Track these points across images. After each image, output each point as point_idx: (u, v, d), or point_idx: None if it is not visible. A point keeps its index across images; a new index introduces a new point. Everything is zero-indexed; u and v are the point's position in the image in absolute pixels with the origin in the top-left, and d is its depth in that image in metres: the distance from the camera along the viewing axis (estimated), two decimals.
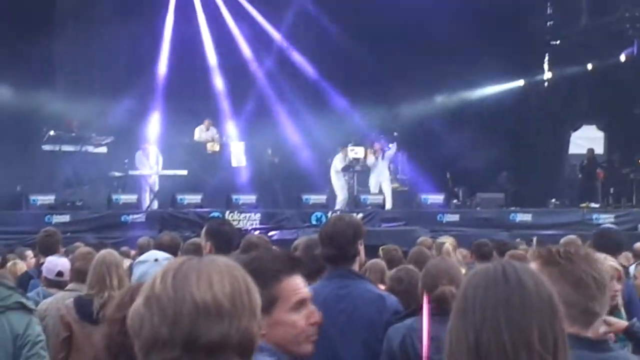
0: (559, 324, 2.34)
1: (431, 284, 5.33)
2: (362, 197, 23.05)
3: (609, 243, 7.69)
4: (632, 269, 8.77)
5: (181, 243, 9.16)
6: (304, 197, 22.30)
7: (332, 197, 23.19)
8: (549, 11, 29.66)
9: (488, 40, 25.34)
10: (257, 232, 16.67)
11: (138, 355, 2.17)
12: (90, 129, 22.53)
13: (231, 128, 25.79)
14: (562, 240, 11.02)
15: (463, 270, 5.70)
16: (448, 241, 10.80)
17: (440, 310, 5.10)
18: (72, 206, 20.79)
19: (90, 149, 22.24)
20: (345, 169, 23.64)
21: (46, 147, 21.97)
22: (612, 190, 25.55)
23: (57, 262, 8.17)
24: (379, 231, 19.77)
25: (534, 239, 17.03)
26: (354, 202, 22.92)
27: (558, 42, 29.52)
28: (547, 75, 29.84)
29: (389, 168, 24.69)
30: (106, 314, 3.62)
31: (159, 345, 2.10)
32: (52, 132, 21.77)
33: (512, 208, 23.51)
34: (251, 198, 22.08)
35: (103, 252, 6.99)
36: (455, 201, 24.87)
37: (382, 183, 24.09)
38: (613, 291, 6.37)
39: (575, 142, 29.52)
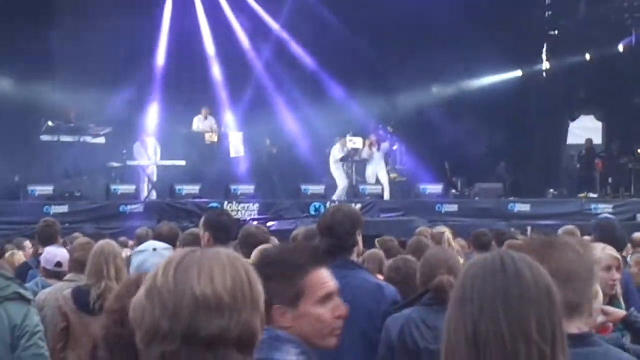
0: (557, 314, 2.34)
1: (430, 274, 5.34)
2: (361, 187, 23.07)
3: (611, 239, 7.65)
4: (629, 258, 8.79)
5: (180, 233, 9.16)
6: (303, 187, 22.30)
7: (331, 187, 23.17)
8: (547, 1, 29.61)
9: (486, 31, 25.34)
10: (255, 223, 16.63)
11: (139, 346, 2.17)
12: (88, 120, 22.50)
13: (229, 118, 25.75)
14: (560, 231, 11.04)
15: (462, 261, 5.71)
16: (446, 231, 10.79)
17: (438, 300, 5.11)
18: (71, 197, 20.77)
19: (89, 139, 22.21)
20: (344, 159, 23.64)
21: (44, 138, 21.93)
22: (610, 180, 25.54)
23: (56, 253, 8.18)
24: (378, 221, 19.80)
25: (529, 228, 17.06)
26: (353, 193, 22.92)
27: (556, 32, 29.49)
28: (546, 65, 29.81)
29: (386, 160, 24.70)
30: (105, 304, 3.63)
31: (159, 337, 2.11)
32: (50, 123, 21.73)
33: (511, 198, 23.53)
34: (250, 188, 22.09)
35: (101, 242, 6.99)
36: (453, 191, 24.87)
37: (378, 174, 24.12)
38: (612, 280, 6.39)
39: (574, 132, 29.51)
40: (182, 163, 22.66)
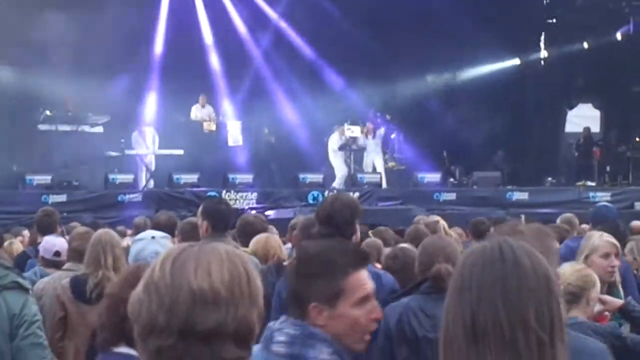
0: (556, 302, 2.34)
1: (427, 262, 5.34)
2: (359, 176, 23.06)
3: (610, 228, 7.62)
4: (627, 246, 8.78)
5: (178, 222, 9.16)
6: (301, 176, 22.28)
7: (329, 176, 23.17)
8: None
9: (484, 19, 25.32)
10: (253, 212, 16.65)
11: (137, 340, 2.17)
12: (86, 109, 22.49)
13: (228, 107, 25.73)
14: (558, 219, 11.07)
15: (460, 249, 5.70)
16: (440, 220, 10.79)
17: (436, 288, 5.11)
18: (69, 186, 20.77)
19: (87, 128, 22.22)
20: (342, 148, 23.63)
21: (42, 127, 21.94)
22: (608, 168, 25.57)
23: (55, 242, 8.18)
24: (376, 210, 19.80)
25: (522, 216, 17.06)
26: (350, 181, 22.92)
27: (554, 20, 29.46)
28: (544, 53, 29.79)
29: (384, 148, 24.71)
30: (102, 293, 3.65)
31: (156, 331, 2.10)
32: (48, 112, 21.73)
33: (509, 186, 23.52)
34: (248, 177, 22.08)
35: (100, 231, 6.99)
36: (452, 180, 24.87)
37: (374, 161, 24.14)
38: (611, 267, 6.40)
39: (572, 120, 29.54)
40: (180, 152, 22.66)
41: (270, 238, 8.06)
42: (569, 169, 27.39)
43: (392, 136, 25.64)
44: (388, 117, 25.58)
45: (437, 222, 9.90)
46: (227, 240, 6.99)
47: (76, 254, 7.23)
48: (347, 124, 23.79)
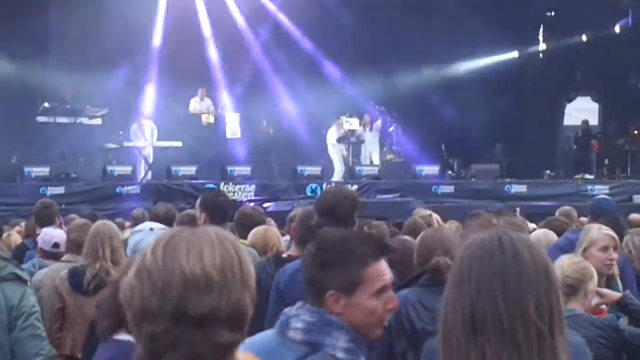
0: (555, 294, 2.34)
1: (426, 255, 5.33)
2: (358, 168, 23.05)
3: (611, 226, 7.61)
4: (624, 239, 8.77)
5: (176, 215, 9.17)
6: (299, 168, 22.27)
7: (328, 168, 23.16)
8: None
9: (483, 12, 25.27)
10: (252, 204, 16.64)
11: (130, 326, 2.17)
12: (85, 101, 22.48)
13: (226, 100, 25.72)
14: (557, 212, 11.06)
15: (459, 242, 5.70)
16: (433, 213, 10.77)
17: (435, 281, 5.11)
18: (67, 178, 20.76)
19: (85, 121, 22.22)
20: (341, 141, 23.61)
21: (41, 119, 21.93)
22: (606, 161, 25.59)
23: (54, 234, 8.18)
24: (374, 203, 19.80)
25: (517, 209, 17.07)
26: (349, 174, 22.91)
27: (553, 13, 29.43)
28: (542, 46, 29.78)
29: (382, 141, 24.71)
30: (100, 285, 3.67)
31: (149, 317, 2.10)
32: (47, 104, 21.71)
33: (507, 179, 23.51)
34: (246, 170, 22.07)
35: (99, 223, 7.00)
36: (450, 173, 24.87)
37: (372, 154, 24.14)
38: (609, 260, 6.40)
39: (570, 113, 29.53)
40: (179, 144, 22.63)
41: (269, 230, 8.07)
42: (567, 162, 27.39)
43: (391, 129, 25.65)
44: (384, 109, 25.58)
45: (431, 215, 9.91)
46: None
47: (75, 246, 7.23)
48: (346, 116, 23.77)
